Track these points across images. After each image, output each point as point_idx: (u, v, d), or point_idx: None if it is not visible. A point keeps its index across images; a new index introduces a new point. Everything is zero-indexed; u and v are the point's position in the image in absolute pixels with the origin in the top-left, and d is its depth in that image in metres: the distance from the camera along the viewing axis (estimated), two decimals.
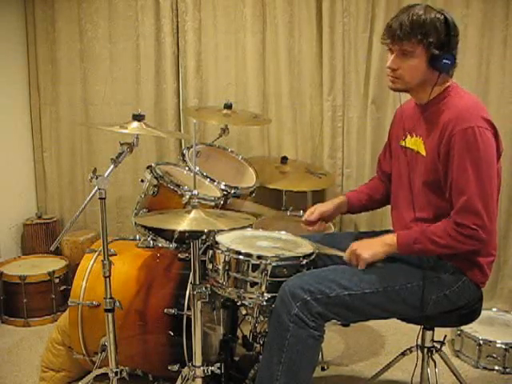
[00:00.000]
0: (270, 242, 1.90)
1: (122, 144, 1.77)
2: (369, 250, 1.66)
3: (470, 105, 1.63)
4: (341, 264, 1.74)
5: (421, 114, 1.75)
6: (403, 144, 1.82)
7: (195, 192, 1.75)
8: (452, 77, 1.72)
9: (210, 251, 1.79)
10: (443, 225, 1.60)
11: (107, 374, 1.83)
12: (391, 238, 1.66)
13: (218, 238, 1.82)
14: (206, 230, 1.75)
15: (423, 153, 1.70)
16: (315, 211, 1.97)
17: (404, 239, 1.64)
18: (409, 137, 1.79)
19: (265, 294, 1.67)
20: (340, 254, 1.75)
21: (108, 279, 1.76)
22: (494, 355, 2.35)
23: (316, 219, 1.97)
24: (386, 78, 1.73)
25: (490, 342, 2.36)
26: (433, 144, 1.66)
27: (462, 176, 1.57)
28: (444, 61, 1.60)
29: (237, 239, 1.87)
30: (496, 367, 2.36)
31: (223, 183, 2.28)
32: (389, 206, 1.97)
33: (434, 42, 1.58)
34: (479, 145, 1.55)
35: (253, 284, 1.68)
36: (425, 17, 1.58)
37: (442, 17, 1.59)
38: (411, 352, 1.95)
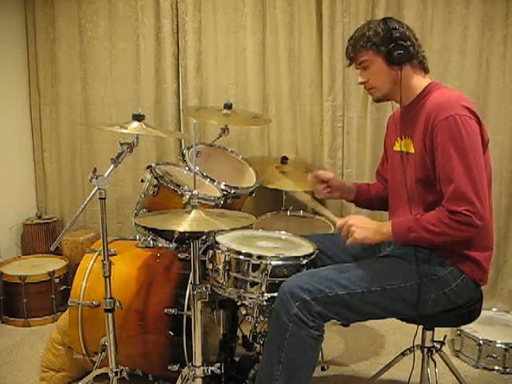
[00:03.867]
0: (270, 242, 1.90)
1: (121, 144, 1.77)
2: (363, 231, 1.66)
3: (451, 96, 1.65)
4: (340, 262, 1.75)
5: (407, 115, 1.78)
6: (396, 149, 1.84)
7: (195, 192, 1.75)
8: (427, 72, 1.77)
9: (210, 251, 1.80)
10: (437, 213, 1.60)
11: (107, 373, 1.83)
12: (387, 227, 1.66)
13: (218, 237, 1.83)
14: (206, 230, 1.75)
15: (412, 151, 1.73)
16: (330, 173, 2.02)
17: (399, 228, 1.64)
18: (400, 140, 1.81)
19: (265, 294, 1.67)
20: (334, 219, 1.76)
21: (108, 279, 1.76)
22: (494, 355, 2.35)
23: (327, 179, 1.99)
24: None
25: (490, 341, 2.36)
26: (419, 139, 1.68)
27: (447, 165, 1.57)
28: (396, 52, 1.67)
29: (237, 239, 1.87)
30: (496, 367, 2.36)
31: (223, 183, 2.28)
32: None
33: (378, 41, 1.68)
34: (462, 132, 1.56)
35: (253, 284, 1.69)
36: (363, 28, 1.73)
37: (382, 21, 1.70)
38: (411, 352, 1.95)
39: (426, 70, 1.76)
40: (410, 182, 1.73)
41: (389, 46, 1.67)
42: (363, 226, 1.68)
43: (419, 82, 1.73)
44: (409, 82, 1.72)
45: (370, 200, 2.06)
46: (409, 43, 1.68)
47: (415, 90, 1.73)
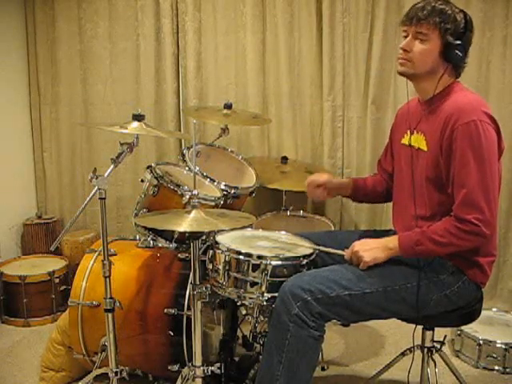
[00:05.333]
0: (270, 242, 1.90)
1: (121, 144, 1.77)
2: (370, 253, 1.65)
3: (473, 100, 1.63)
4: (342, 263, 1.75)
5: (423, 111, 1.76)
6: (405, 142, 1.82)
7: (195, 192, 1.75)
8: (459, 77, 1.74)
9: (210, 251, 1.79)
10: (444, 224, 1.59)
11: (107, 373, 1.83)
12: (393, 242, 1.65)
13: (218, 237, 1.82)
14: (206, 230, 1.75)
15: (425, 148, 1.70)
16: (322, 176, 2.00)
17: (406, 242, 1.63)
18: (411, 135, 1.79)
19: (265, 294, 1.67)
20: (340, 253, 1.75)
21: (108, 279, 1.76)
22: (494, 355, 2.35)
23: (322, 183, 1.98)
24: (395, 63, 1.78)
25: (490, 341, 2.36)
26: (435, 139, 1.66)
27: (463, 169, 1.56)
28: (456, 51, 1.63)
29: (237, 239, 1.87)
30: (496, 367, 2.36)
31: (223, 183, 2.28)
32: (390, 205, 1.97)
33: (451, 30, 1.62)
34: (482, 139, 1.55)
35: (253, 284, 1.68)
36: (446, 7, 1.63)
37: (462, 13, 1.64)
38: (411, 352, 1.95)
39: (458, 75, 1.75)
40: (419, 180, 1.72)
41: (455, 39, 1.62)
42: (369, 248, 1.67)
43: (446, 82, 1.71)
44: (441, 81, 1.69)
45: (366, 195, 2.06)
46: (468, 49, 1.67)
47: (439, 88, 1.70)
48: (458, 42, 1.62)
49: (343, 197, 2.11)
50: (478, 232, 1.54)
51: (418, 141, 1.74)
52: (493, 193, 1.56)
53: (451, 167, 1.60)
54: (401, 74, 1.73)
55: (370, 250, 1.66)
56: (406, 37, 1.69)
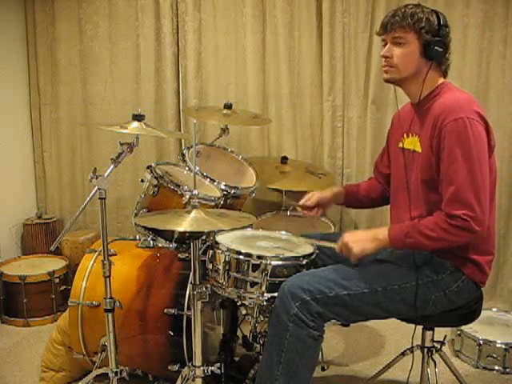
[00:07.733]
0: (270, 241, 1.90)
1: (121, 144, 1.77)
2: (360, 244, 1.65)
3: (462, 98, 1.64)
4: (341, 262, 1.75)
5: (415, 113, 1.77)
6: (401, 146, 1.83)
7: (195, 192, 1.75)
8: (446, 76, 1.75)
9: (210, 251, 1.80)
10: (434, 218, 1.60)
11: (107, 373, 1.83)
12: (383, 233, 1.65)
13: (218, 237, 1.82)
14: (206, 230, 1.75)
15: (419, 150, 1.71)
16: (313, 197, 2.01)
17: (395, 233, 1.64)
18: (406, 138, 1.80)
19: (265, 294, 1.67)
20: (331, 245, 1.75)
21: (108, 279, 1.76)
22: (494, 355, 2.35)
23: (313, 205, 1.99)
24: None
25: (490, 341, 2.36)
26: (426, 138, 1.67)
27: (451, 166, 1.56)
28: (436, 47, 1.65)
29: (237, 239, 1.87)
30: (496, 367, 2.36)
31: (223, 183, 2.28)
32: (388, 207, 1.97)
33: (426, 28, 1.64)
34: (470, 136, 1.55)
35: (253, 284, 1.68)
36: (417, 9, 1.66)
37: (434, 12, 1.67)
38: (411, 352, 1.95)
39: (444, 74, 1.75)
40: (415, 181, 1.72)
41: (433, 37, 1.64)
42: (357, 239, 1.67)
43: (435, 82, 1.71)
44: (428, 81, 1.69)
45: (359, 201, 2.07)
46: (447, 44, 1.67)
47: (429, 89, 1.71)
48: (436, 39, 1.64)
49: (338, 204, 2.11)
50: (468, 227, 1.54)
51: (413, 143, 1.75)
52: (483, 189, 1.55)
53: (440, 165, 1.60)
54: (387, 81, 1.75)
55: (358, 241, 1.66)
56: (385, 45, 1.72)
